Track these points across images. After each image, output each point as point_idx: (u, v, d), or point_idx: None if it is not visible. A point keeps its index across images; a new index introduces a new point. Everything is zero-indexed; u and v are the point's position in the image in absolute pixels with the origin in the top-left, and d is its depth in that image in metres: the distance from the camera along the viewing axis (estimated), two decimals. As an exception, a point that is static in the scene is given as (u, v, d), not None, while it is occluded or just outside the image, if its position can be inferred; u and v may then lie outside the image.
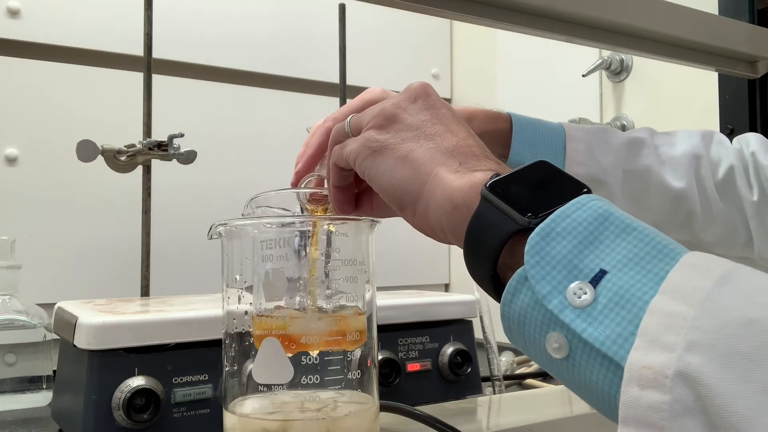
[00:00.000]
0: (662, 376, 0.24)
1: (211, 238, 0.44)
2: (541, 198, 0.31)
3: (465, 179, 0.35)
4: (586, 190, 0.32)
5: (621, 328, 0.26)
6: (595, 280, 0.28)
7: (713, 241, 0.69)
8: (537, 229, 0.30)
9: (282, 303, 0.42)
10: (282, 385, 0.41)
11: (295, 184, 0.50)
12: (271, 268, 0.42)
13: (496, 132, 0.62)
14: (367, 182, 0.41)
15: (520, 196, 0.32)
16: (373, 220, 0.45)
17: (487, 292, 0.34)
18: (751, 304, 0.25)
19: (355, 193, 0.46)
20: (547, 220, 0.30)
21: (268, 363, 0.41)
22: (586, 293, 0.28)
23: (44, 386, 0.80)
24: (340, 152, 0.43)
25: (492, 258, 0.32)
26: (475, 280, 0.34)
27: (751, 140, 0.71)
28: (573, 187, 0.32)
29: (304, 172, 0.49)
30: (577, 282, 0.28)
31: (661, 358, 0.25)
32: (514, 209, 0.31)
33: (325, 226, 0.44)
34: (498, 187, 0.33)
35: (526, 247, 0.30)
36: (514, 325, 0.30)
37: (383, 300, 0.72)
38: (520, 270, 0.30)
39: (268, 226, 0.43)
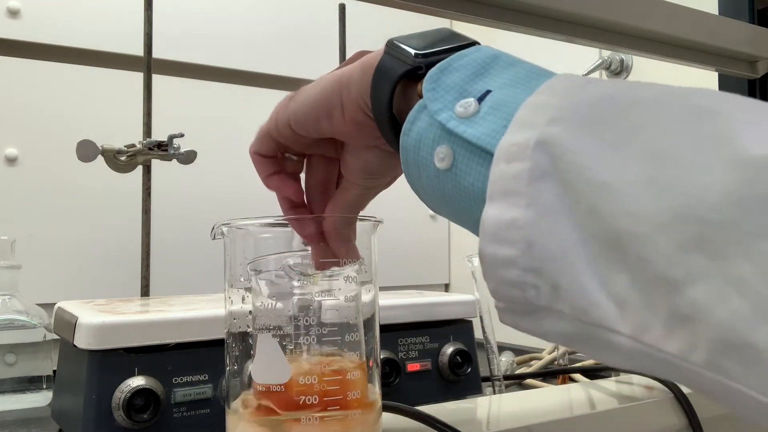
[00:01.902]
0: (525, 148, 0.27)
1: (213, 238, 0.44)
2: (436, 48, 0.35)
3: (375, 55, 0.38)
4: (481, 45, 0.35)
5: (496, 125, 0.29)
6: (481, 98, 0.31)
7: None
8: (437, 65, 0.33)
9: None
10: (281, 384, 0.41)
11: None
12: (268, 344, 0.41)
13: None
14: (295, 127, 0.42)
15: (417, 45, 0.35)
16: (375, 220, 0.45)
17: (388, 141, 0.36)
18: (613, 88, 0.27)
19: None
20: (447, 59, 0.33)
21: (267, 362, 0.41)
22: (471, 106, 0.31)
23: (44, 386, 0.80)
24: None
25: (387, 99, 0.35)
26: (382, 134, 0.37)
27: None
28: (469, 43, 0.35)
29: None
30: (465, 99, 0.31)
31: (525, 134, 0.27)
32: (408, 54, 0.35)
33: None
34: (399, 40, 0.36)
35: (425, 78, 0.33)
36: (410, 154, 0.33)
37: (383, 300, 0.72)
38: (420, 101, 0.33)
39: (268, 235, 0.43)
